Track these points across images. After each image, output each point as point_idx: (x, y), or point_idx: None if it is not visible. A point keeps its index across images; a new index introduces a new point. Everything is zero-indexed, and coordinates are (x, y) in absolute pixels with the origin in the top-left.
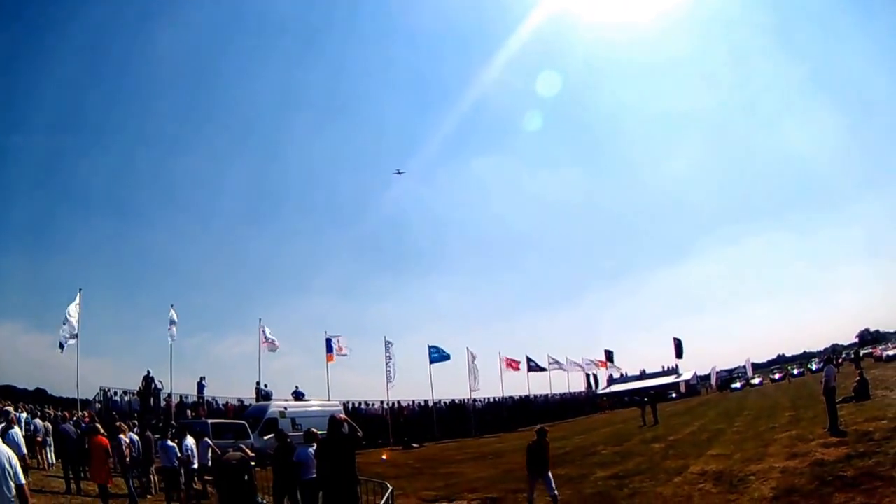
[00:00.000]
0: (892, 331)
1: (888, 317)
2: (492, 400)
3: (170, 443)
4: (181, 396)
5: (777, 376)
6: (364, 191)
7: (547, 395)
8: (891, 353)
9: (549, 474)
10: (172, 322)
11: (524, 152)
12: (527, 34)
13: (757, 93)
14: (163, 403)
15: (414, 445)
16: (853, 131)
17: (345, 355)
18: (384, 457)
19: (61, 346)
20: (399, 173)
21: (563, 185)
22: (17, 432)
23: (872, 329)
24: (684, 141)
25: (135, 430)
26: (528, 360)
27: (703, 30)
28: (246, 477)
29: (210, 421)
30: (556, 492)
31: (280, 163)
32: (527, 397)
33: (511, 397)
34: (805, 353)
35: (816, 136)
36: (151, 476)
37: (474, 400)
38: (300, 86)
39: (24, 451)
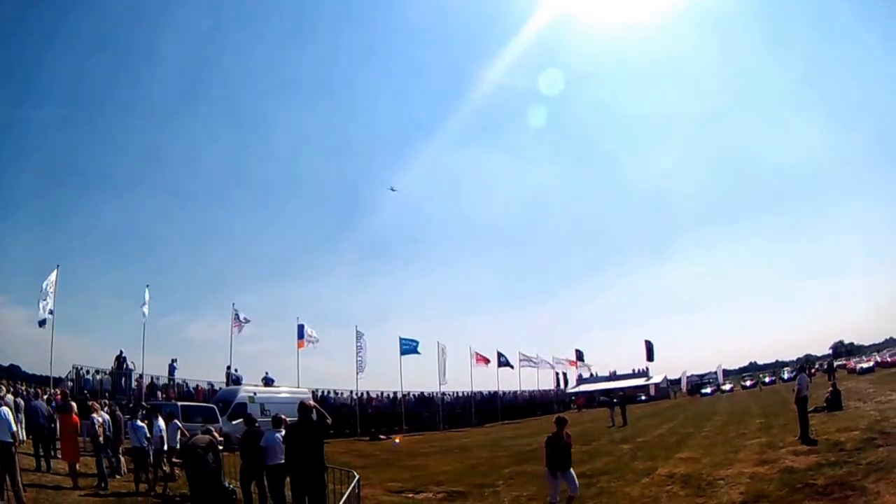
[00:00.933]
0: (867, 344)
1: (863, 330)
2: (460, 394)
3: (139, 423)
4: (152, 377)
5: (748, 383)
6: (344, 181)
7: (516, 392)
8: (865, 365)
9: (572, 470)
10: (145, 302)
11: (505, 148)
12: (512, 31)
13: (743, 97)
14: (134, 384)
15: (382, 437)
16: (837, 142)
17: (315, 341)
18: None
19: (41, 323)
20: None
21: (542, 182)
22: (7, 411)
23: (847, 341)
24: (668, 142)
25: (105, 409)
26: (499, 355)
27: (693, 32)
28: (212, 461)
29: (180, 403)
30: (578, 490)
31: (263, 146)
32: (496, 393)
33: (480, 392)
34: (777, 361)
35: (800, 145)
36: (121, 456)
37: (443, 393)
38: (290, 70)
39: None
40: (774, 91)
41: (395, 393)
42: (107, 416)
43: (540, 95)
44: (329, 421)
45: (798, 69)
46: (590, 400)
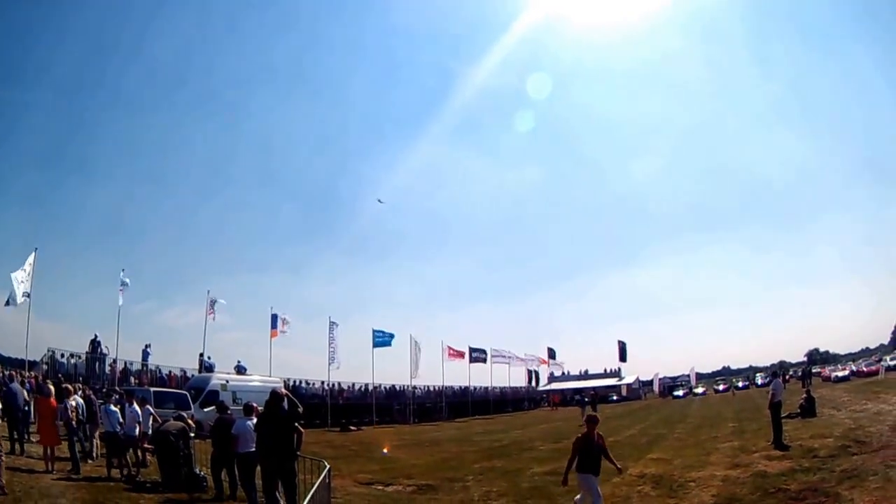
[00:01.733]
0: (842, 353)
1: (838, 339)
2: (432, 388)
3: (113, 408)
4: (126, 363)
5: (721, 387)
6: (322, 172)
7: (487, 388)
8: (840, 374)
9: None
10: (123, 284)
11: (486, 148)
12: (498, 32)
13: (727, 106)
14: (108, 369)
15: (352, 428)
16: (820, 154)
17: (287, 327)
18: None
19: (8, 302)
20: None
21: (521, 183)
22: None
23: (822, 350)
24: (649, 147)
25: (79, 393)
26: (471, 350)
27: (679, 38)
28: (184, 448)
29: (153, 389)
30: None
31: (243, 137)
32: (467, 388)
33: (451, 387)
34: (751, 367)
35: (781, 156)
36: (94, 441)
37: (414, 387)
38: (273, 62)
39: None
40: (758, 101)
41: (366, 385)
42: (80, 400)
43: (522, 97)
44: (300, 410)
45: (782, 80)
46: (563, 398)
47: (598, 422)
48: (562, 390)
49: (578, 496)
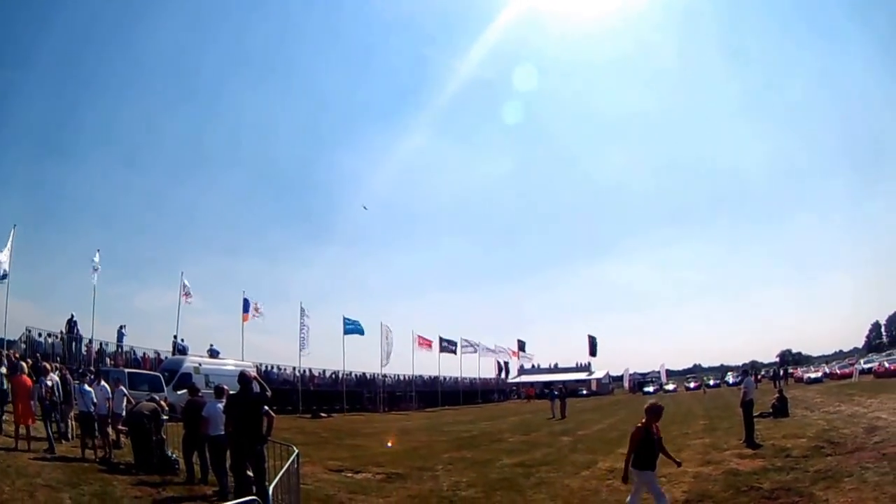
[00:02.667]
0: (815, 355)
1: (812, 341)
2: (402, 377)
3: (87, 388)
4: (101, 343)
5: (692, 385)
6: (298, 158)
7: (457, 378)
8: (813, 375)
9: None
10: (95, 268)
11: (460, 137)
12: (478, 24)
13: (704, 100)
14: (84, 349)
15: (322, 415)
16: (796, 151)
17: (258, 316)
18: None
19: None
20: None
21: (495, 174)
22: None
23: (795, 351)
24: (624, 141)
25: (56, 372)
26: (442, 340)
27: (656, 32)
28: (156, 430)
29: (127, 370)
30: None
31: (219, 121)
32: (437, 378)
33: (421, 376)
34: (723, 365)
35: (758, 151)
36: (70, 421)
37: (384, 375)
38: (251, 47)
39: None
40: (735, 95)
41: (337, 372)
42: (57, 379)
43: (497, 88)
44: (269, 393)
45: (760, 74)
46: (543, 391)
47: (660, 412)
48: (531, 383)
49: (630, 498)
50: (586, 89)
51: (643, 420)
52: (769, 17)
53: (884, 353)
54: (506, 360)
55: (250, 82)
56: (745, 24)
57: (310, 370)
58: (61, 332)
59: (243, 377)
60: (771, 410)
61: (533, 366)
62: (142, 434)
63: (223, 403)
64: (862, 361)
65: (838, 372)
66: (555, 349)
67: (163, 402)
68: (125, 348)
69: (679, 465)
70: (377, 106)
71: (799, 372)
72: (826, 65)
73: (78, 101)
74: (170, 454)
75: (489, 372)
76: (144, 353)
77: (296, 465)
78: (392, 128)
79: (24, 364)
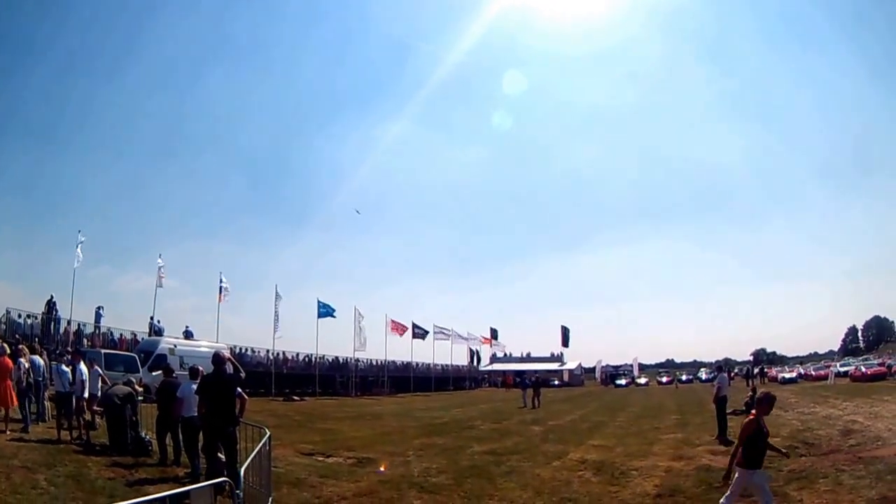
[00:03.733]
0: (790, 355)
1: (786, 342)
2: (375, 362)
3: (64, 368)
4: (79, 324)
5: (665, 379)
6: (276, 142)
7: (429, 365)
8: (788, 375)
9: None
10: (79, 244)
11: (438, 125)
12: (456, 13)
13: (682, 99)
14: (62, 330)
15: (295, 398)
16: (776, 154)
17: (226, 295)
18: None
19: None
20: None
21: (470, 163)
22: None
23: (769, 350)
24: (600, 134)
25: (43, 354)
26: (415, 326)
27: (636, 27)
28: (131, 412)
29: (103, 351)
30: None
31: (197, 104)
32: (409, 364)
33: (393, 362)
34: (696, 361)
35: (733, 152)
36: (46, 403)
37: (357, 360)
38: (229, 30)
39: None
40: (717, 95)
41: (310, 356)
42: (39, 360)
43: (478, 78)
44: (242, 374)
45: (742, 76)
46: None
47: (773, 403)
48: (504, 371)
49: (724, 499)
50: (567, 82)
51: (753, 412)
52: (753, 18)
53: (860, 358)
54: (478, 347)
55: (230, 67)
56: (729, 24)
57: (283, 353)
58: (42, 314)
59: (217, 358)
60: (744, 408)
61: (505, 354)
62: (117, 416)
63: (197, 384)
64: (838, 364)
65: (813, 373)
66: (528, 339)
67: (137, 385)
68: (102, 329)
69: (787, 455)
70: (356, 93)
71: (773, 371)
72: (808, 68)
73: (60, 86)
74: (143, 436)
75: (461, 359)
76: (121, 335)
77: (267, 448)
78: (370, 115)
79: (5, 346)
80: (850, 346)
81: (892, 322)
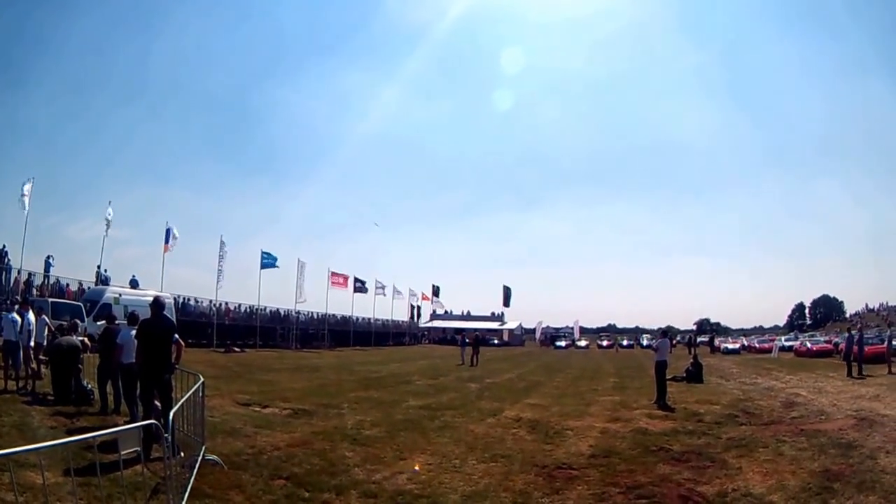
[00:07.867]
0: (734, 327)
1: (730, 313)
2: (315, 315)
3: (15, 316)
4: (30, 274)
5: (605, 343)
6: (239, 88)
7: (370, 319)
8: (731, 346)
9: None
10: (23, 195)
11: (398, 78)
12: None
13: (653, 70)
14: (13, 280)
15: (235, 349)
16: (738, 130)
17: (175, 239)
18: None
19: None
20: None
21: (430, 116)
22: None
23: (713, 321)
24: (563, 99)
25: None
26: (356, 280)
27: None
28: (75, 361)
29: (51, 300)
30: None
31: (166, 46)
32: (349, 318)
33: (334, 315)
34: (638, 328)
35: (699, 124)
36: None
37: (298, 312)
38: None
39: None
40: (684, 67)
41: (251, 307)
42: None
43: (444, 35)
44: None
45: (713, 51)
46: (444, 337)
47: None
48: (443, 329)
49: None
50: (535, 47)
51: None
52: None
53: (807, 334)
54: (418, 304)
55: (202, 7)
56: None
57: (226, 304)
58: None
59: (156, 302)
60: (685, 375)
61: (446, 311)
62: (61, 365)
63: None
64: (783, 339)
65: (757, 346)
66: (469, 297)
67: (84, 339)
68: (51, 279)
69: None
70: (321, 39)
71: (717, 342)
72: (783, 49)
73: (12, 14)
74: (85, 384)
75: (402, 315)
76: (68, 284)
77: (200, 395)
78: (331, 62)
79: None
80: (797, 323)
81: (842, 302)
